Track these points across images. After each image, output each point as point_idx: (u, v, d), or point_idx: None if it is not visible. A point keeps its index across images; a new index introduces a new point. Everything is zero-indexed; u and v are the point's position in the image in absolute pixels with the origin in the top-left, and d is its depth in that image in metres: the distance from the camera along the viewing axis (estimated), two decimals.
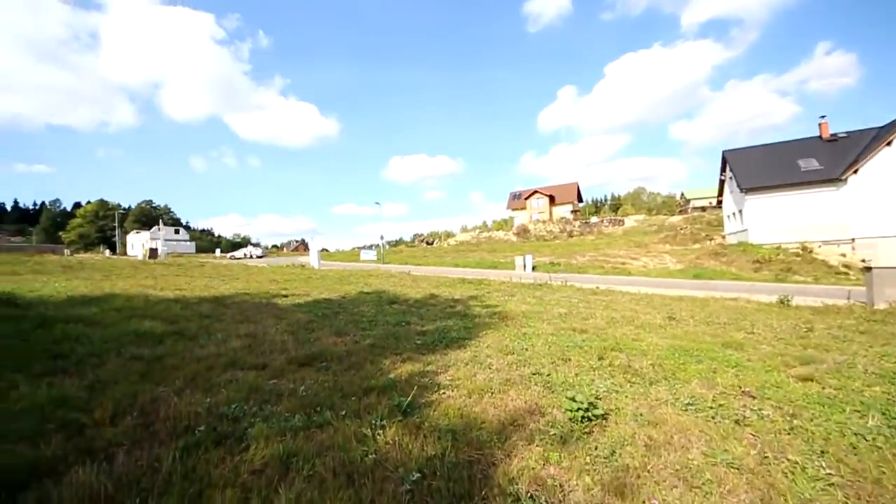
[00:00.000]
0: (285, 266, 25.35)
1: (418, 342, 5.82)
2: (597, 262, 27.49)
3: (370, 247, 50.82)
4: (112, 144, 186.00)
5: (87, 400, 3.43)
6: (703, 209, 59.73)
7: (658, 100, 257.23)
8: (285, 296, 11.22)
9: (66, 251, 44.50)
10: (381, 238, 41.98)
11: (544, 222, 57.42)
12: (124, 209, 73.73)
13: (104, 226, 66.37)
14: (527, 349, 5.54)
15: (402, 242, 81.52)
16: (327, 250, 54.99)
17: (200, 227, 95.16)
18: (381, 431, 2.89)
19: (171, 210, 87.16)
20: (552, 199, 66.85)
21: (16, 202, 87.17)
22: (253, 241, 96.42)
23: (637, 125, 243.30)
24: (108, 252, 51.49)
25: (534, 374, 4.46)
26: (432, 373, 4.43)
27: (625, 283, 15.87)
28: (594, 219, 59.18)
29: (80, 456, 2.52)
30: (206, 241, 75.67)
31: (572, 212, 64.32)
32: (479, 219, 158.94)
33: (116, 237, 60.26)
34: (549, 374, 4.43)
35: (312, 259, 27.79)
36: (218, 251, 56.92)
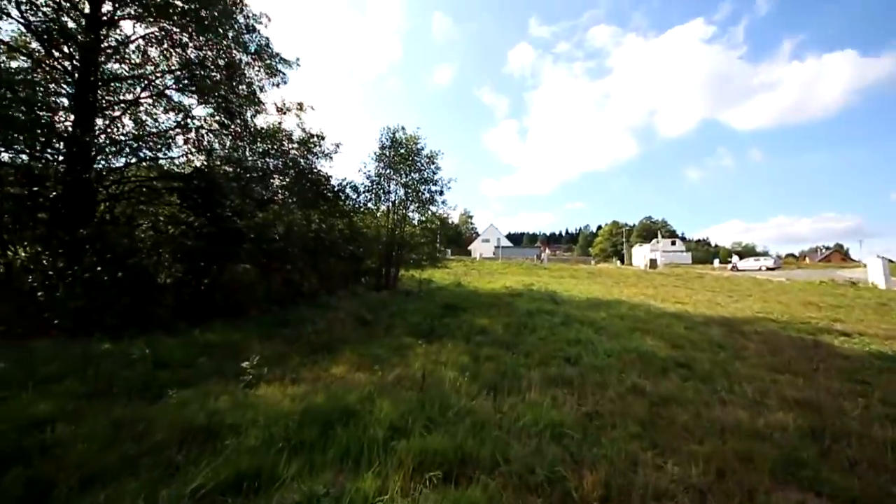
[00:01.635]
0: (818, 283, 17.89)
1: None
2: None
3: None
4: (620, 175, 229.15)
5: (582, 441, 2.65)
6: None
7: None
8: (844, 333, 6.93)
9: (592, 261, 58.93)
10: None
11: None
12: (630, 226, 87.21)
13: (616, 241, 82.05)
14: None
15: None
16: (892, 261, 33.24)
17: (695, 238, 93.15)
18: None
19: (668, 223, 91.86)
20: None
21: (567, 229, 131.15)
22: (758, 248, 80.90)
23: None
24: (617, 262, 62.42)
25: None
26: None
27: None
28: None
29: None
30: (702, 252, 72.22)
31: None
32: None
33: (623, 250, 72.28)
34: None
35: (874, 274, 17.78)
36: (716, 261, 52.02)
